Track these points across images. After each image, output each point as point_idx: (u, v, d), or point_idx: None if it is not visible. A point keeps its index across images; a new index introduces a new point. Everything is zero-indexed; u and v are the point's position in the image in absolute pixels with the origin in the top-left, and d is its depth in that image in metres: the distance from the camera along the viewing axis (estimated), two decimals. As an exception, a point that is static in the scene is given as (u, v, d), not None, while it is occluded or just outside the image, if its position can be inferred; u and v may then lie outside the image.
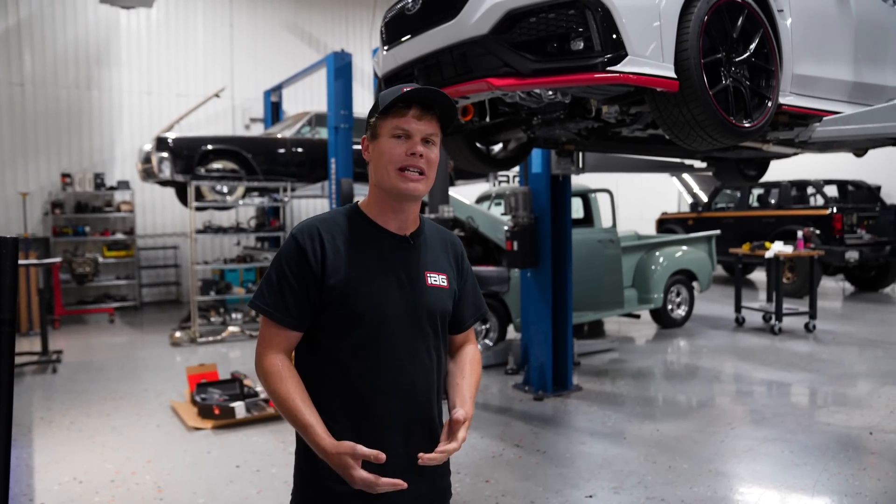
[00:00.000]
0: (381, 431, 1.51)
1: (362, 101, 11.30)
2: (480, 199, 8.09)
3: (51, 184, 10.27)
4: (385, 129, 1.52)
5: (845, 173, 11.63)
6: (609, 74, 2.57)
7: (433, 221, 1.74)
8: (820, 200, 11.00)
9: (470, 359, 1.69)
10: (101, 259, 10.22)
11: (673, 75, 2.68)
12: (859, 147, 4.69)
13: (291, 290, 1.50)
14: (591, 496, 3.55)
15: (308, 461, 1.55)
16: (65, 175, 10.20)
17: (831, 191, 11.27)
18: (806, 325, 7.84)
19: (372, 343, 1.51)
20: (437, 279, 1.59)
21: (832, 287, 11.88)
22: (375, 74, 3.71)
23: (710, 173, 6.01)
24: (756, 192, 11.87)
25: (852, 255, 9.75)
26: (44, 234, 10.11)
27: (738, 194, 11.97)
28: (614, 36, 2.57)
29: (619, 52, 2.57)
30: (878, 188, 11.34)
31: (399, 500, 1.51)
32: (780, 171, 9.68)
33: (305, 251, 1.50)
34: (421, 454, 1.47)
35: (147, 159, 8.65)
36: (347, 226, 1.56)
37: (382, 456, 1.41)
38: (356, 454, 1.41)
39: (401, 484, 1.42)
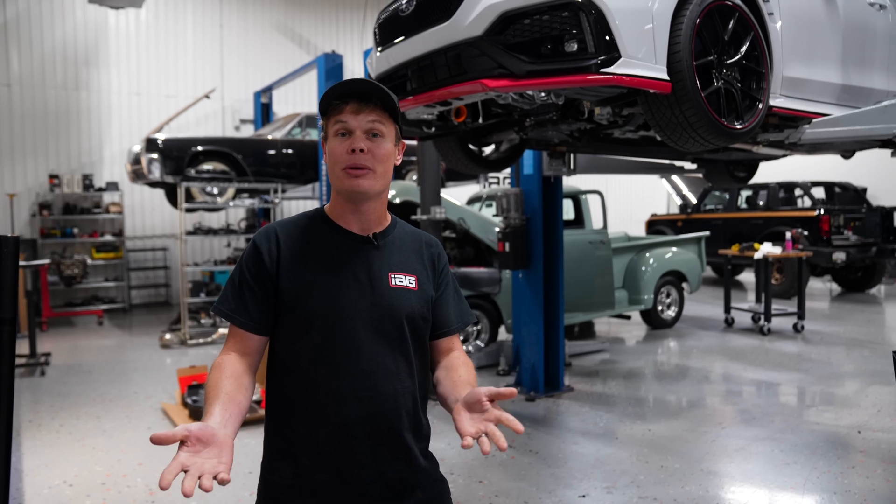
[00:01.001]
0: (343, 441, 1.42)
1: (353, 103, 11.27)
2: (472, 201, 8.10)
3: (38, 185, 10.19)
4: (329, 128, 1.47)
5: (832, 175, 11.76)
6: (602, 76, 2.59)
7: (410, 224, 1.67)
8: (807, 202, 11.11)
9: (462, 361, 1.57)
10: (89, 261, 10.14)
11: (666, 77, 2.70)
12: (847, 149, 4.74)
13: (251, 292, 1.45)
14: (583, 496, 3.56)
15: (266, 493, 1.48)
16: (53, 176, 10.12)
17: (819, 192, 11.39)
18: (794, 326, 7.91)
19: (327, 347, 1.43)
20: (402, 280, 1.50)
21: (820, 288, 12.00)
22: (368, 76, 3.71)
23: (700, 175, 6.06)
24: (745, 193, 11.96)
25: (839, 256, 9.85)
26: (31, 235, 10.03)
27: (727, 196, 12.06)
28: (608, 38, 2.59)
29: (613, 53, 2.59)
30: (864, 190, 11.47)
31: None
32: (769, 173, 9.77)
33: (261, 252, 1.46)
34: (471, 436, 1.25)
35: (136, 160, 8.60)
36: (308, 228, 1.51)
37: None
38: (177, 438, 1.14)
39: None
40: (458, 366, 1.54)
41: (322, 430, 1.42)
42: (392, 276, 1.50)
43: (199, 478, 1.08)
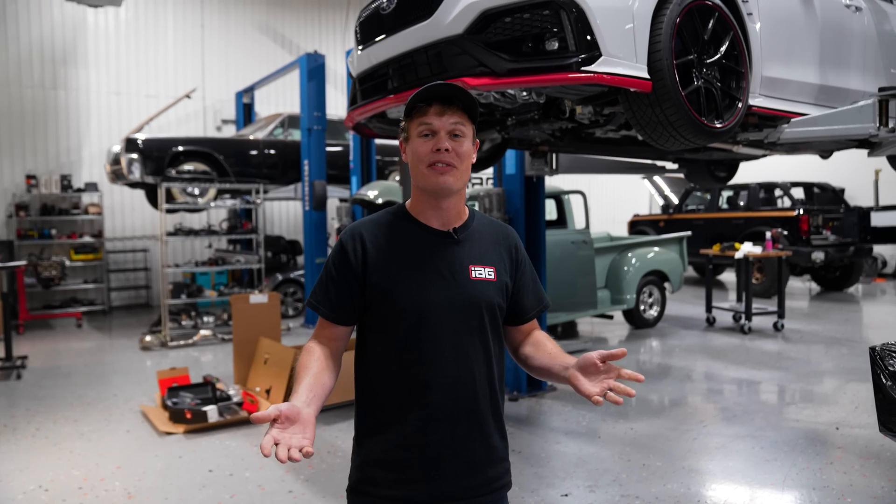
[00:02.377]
0: (426, 423, 1.54)
1: (335, 103, 11.26)
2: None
3: (14, 185, 10.03)
4: (413, 129, 1.57)
5: (811, 176, 11.91)
6: (583, 74, 2.59)
7: (489, 216, 1.76)
8: (787, 202, 11.23)
9: (545, 336, 1.72)
10: (68, 262, 9.99)
11: (646, 76, 2.72)
12: (825, 149, 4.79)
13: (336, 287, 1.59)
14: (566, 495, 3.56)
15: (357, 467, 1.62)
16: (30, 177, 9.95)
17: (798, 193, 11.52)
18: (774, 325, 7.99)
19: (413, 337, 1.54)
20: (482, 272, 1.61)
21: (799, 287, 12.14)
22: (350, 75, 3.69)
23: (682, 175, 6.11)
24: (726, 194, 12.07)
25: (818, 256, 9.97)
26: (7, 237, 9.87)
27: (709, 196, 12.17)
28: (588, 37, 2.60)
29: (594, 52, 2.60)
30: (843, 190, 11.62)
31: (446, 492, 1.55)
32: (749, 173, 9.88)
33: (347, 251, 1.58)
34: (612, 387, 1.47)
35: (116, 161, 8.49)
36: (391, 225, 1.62)
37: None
38: (271, 417, 1.30)
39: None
40: (544, 341, 1.71)
41: (407, 412, 1.55)
42: (472, 268, 1.60)
43: (289, 449, 1.25)
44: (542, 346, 1.69)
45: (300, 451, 1.26)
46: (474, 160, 1.61)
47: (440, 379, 1.55)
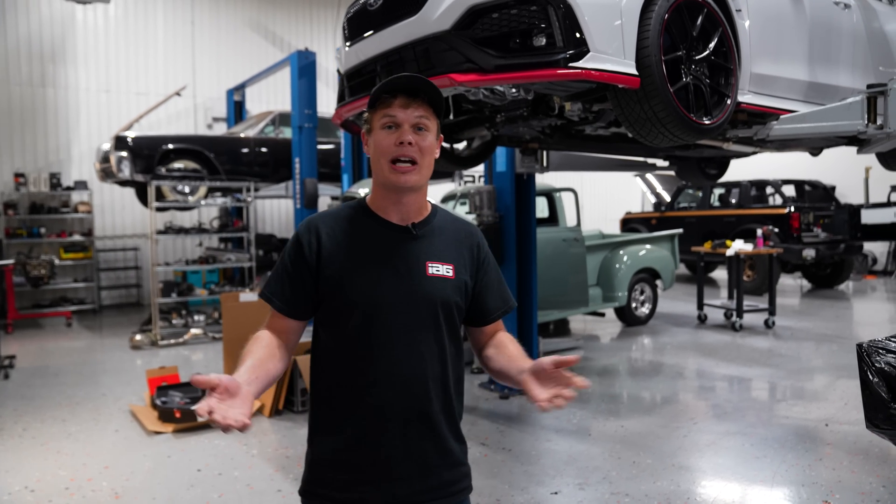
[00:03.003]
0: (377, 422, 1.51)
1: (327, 101, 11.20)
2: (445, 199, 8.08)
3: (3, 184, 9.94)
4: (376, 121, 1.53)
5: (802, 174, 11.95)
6: (571, 71, 2.58)
7: (452, 213, 1.73)
8: (778, 200, 11.27)
9: (509, 338, 1.67)
10: (57, 261, 9.91)
11: (634, 72, 2.71)
12: (814, 146, 4.80)
13: (289, 279, 1.56)
14: (556, 493, 3.56)
15: (308, 467, 1.60)
16: (18, 175, 9.87)
17: (789, 190, 11.56)
18: (765, 322, 8.01)
19: (364, 333, 1.51)
20: (439, 269, 1.57)
21: (790, 284, 12.19)
22: (338, 71, 3.67)
23: (673, 172, 6.11)
24: (717, 191, 12.10)
25: (809, 253, 10.01)
26: (-4, 235, 9.79)
27: (700, 194, 12.19)
28: (576, 32, 2.59)
29: (581, 48, 2.59)
30: (833, 188, 11.67)
31: (399, 495, 1.52)
32: (740, 171, 9.90)
33: (302, 244, 1.55)
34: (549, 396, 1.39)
35: (105, 159, 8.43)
36: (349, 219, 1.59)
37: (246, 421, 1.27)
38: (211, 384, 1.27)
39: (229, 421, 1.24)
40: (506, 343, 1.66)
41: (358, 411, 1.51)
42: (430, 264, 1.56)
43: (225, 419, 1.23)
44: (503, 349, 1.65)
45: (237, 422, 1.23)
46: (437, 155, 1.57)
47: (391, 377, 1.51)
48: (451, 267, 1.59)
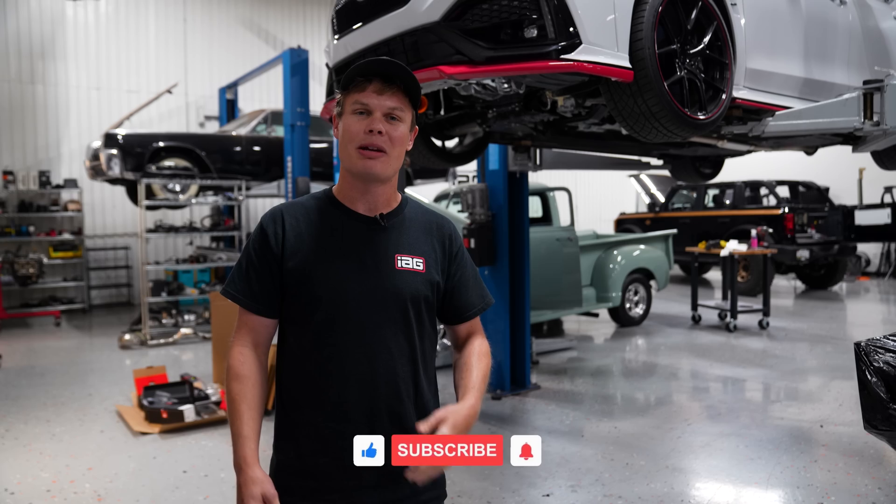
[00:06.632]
0: (342, 424, 1.43)
1: (319, 99, 11.05)
2: (439, 198, 8.03)
3: (-9, 182, 9.84)
4: (348, 105, 1.45)
5: (796, 175, 11.93)
6: (563, 63, 2.52)
7: (424, 205, 1.64)
8: (773, 201, 11.25)
9: (477, 352, 1.56)
10: (46, 260, 9.80)
11: (628, 65, 2.65)
12: (810, 144, 4.76)
13: (257, 274, 1.47)
14: (548, 495, 3.50)
15: (274, 470, 1.53)
16: (7, 172, 9.76)
17: (783, 191, 11.54)
18: (760, 323, 7.97)
19: (330, 329, 1.44)
20: (409, 262, 1.49)
21: (784, 285, 12.17)
22: (327, 65, 3.60)
23: (667, 171, 6.06)
24: (711, 192, 12.08)
25: (803, 254, 9.99)
26: (-17, 234, 9.67)
27: (695, 194, 12.17)
28: (568, 24, 2.53)
29: (574, 40, 2.53)
30: (827, 189, 11.66)
31: (367, 503, 1.45)
32: (735, 171, 9.87)
33: (267, 235, 1.47)
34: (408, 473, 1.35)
35: (95, 156, 8.33)
36: (315, 209, 1.51)
37: None
38: (268, 498, 1.37)
39: None
40: (472, 364, 1.53)
41: (322, 412, 1.44)
42: (398, 257, 1.48)
43: None
44: (464, 371, 1.52)
45: None
46: (410, 147, 1.50)
47: (358, 376, 1.43)
48: (421, 260, 1.51)
